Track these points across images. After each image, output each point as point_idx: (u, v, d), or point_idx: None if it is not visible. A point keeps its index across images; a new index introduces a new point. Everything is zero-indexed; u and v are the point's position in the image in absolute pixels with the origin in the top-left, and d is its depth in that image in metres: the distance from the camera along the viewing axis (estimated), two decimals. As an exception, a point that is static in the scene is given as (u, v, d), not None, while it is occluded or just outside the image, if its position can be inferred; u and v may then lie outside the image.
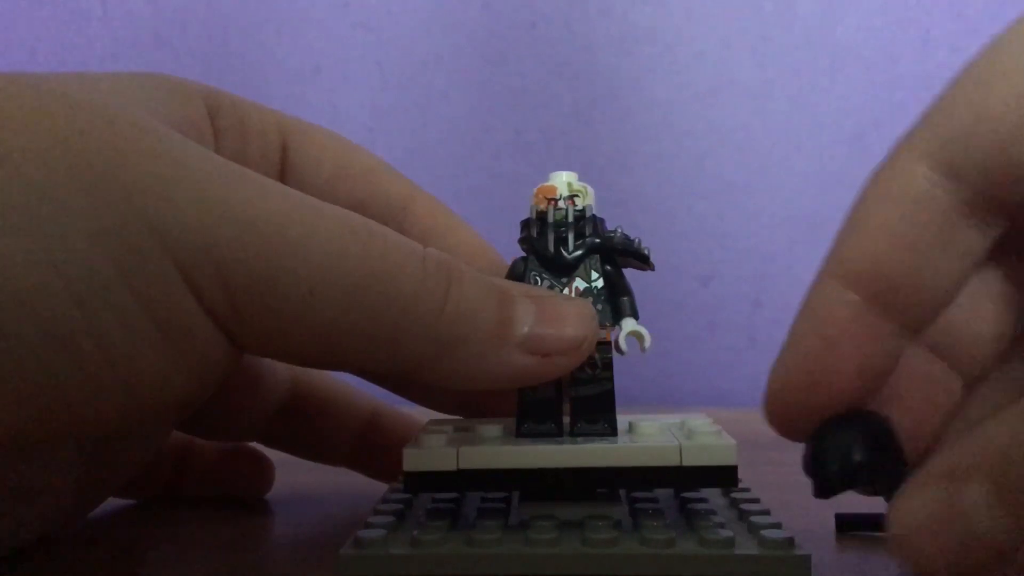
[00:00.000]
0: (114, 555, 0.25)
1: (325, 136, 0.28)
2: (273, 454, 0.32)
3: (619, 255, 0.24)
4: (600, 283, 0.24)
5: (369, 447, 0.31)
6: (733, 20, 0.63)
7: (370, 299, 0.20)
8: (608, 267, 0.24)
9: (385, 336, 0.20)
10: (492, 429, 0.24)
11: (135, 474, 0.27)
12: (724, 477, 0.22)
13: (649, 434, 0.23)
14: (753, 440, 0.42)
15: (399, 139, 0.64)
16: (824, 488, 0.19)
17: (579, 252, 0.24)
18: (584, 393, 0.24)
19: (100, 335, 0.18)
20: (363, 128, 0.64)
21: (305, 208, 0.20)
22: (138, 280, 0.18)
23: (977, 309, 0.20)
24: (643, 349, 0.24)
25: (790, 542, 0.21)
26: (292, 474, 0.33)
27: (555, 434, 0.24)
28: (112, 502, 0.29)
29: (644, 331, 0.24)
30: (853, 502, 0.27)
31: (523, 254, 0.24)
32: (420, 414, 0.30)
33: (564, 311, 0.22)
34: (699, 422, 0.24)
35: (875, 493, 0.19)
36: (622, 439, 0.23)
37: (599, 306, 0.24)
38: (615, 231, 0.24)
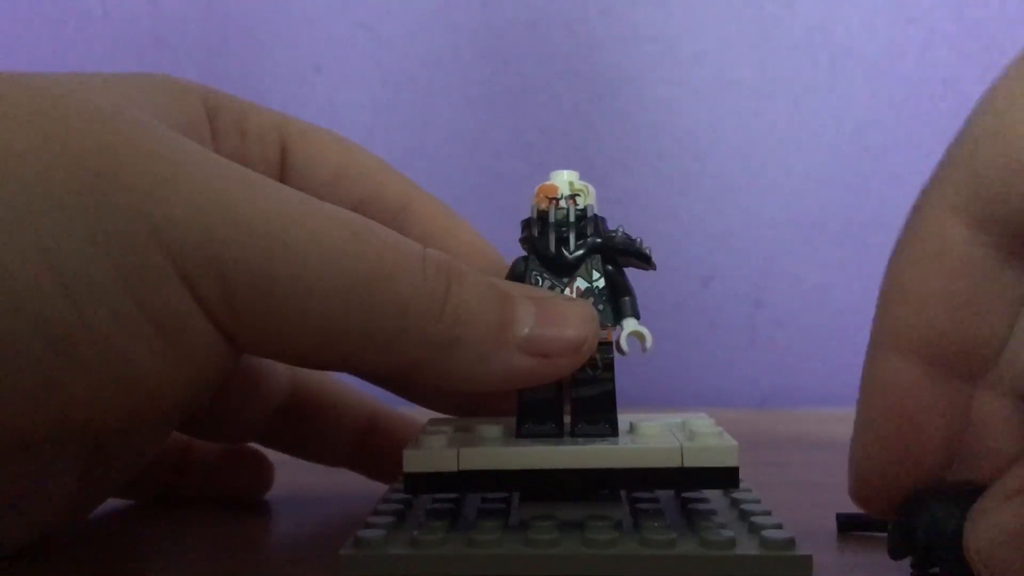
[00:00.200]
0: (114, 555, 0.25)
1: (325, 136, 0.28)
2: (273, 454, 0.32)
3: (620, 255, 0.24)
4: (601, 283, 0.24)
5: (369, 448, 0.31)
6: (733, 20, 0.63)
7: (369, 299, 0.19)
8: (610, 267, 0.24)
9: (384, 337, 0.20)
10: (492, 430, 0.24)
11: (135, 474, 0.27)
12: (725, 478, 0.22)
13: (650, 435, 0.23)
14: (753, 440, 0.42)
15: (399, 139, 0.64)
16: (920, 564, 0.20)
17: (580, 252, 0.24)
18: (585, 394, 0.24)
19: (97, 336, 0.18)
20: (363, 128, 0.64)
21: (304, 208, 0.20)
22: (135, 280, 0.18)
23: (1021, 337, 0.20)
24: (644, 349, 0.24)
25: (791, 542, 0.21)
26: (292, 474, 0.33)
27: (556, 435, 0.24)
28: (112, 502, 0.29)
29: (646, 331, 0.24)
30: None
31: (524, 254, 0.24)
32: (420, 414, 0.30)
33: (565, 312, 0.22)
34: (701, 423, 0.24)
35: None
36: (623, 440, 0.23)
37: (600, 306, 0.24)
38: (616, 231, 0.24)
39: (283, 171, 0.27)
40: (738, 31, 0.63)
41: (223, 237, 0.18)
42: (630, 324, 0.24)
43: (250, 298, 0.19)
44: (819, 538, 0.24)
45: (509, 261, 0.25)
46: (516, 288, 0.22)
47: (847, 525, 0.25)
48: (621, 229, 0.24)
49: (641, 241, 0.24)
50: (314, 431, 0.31)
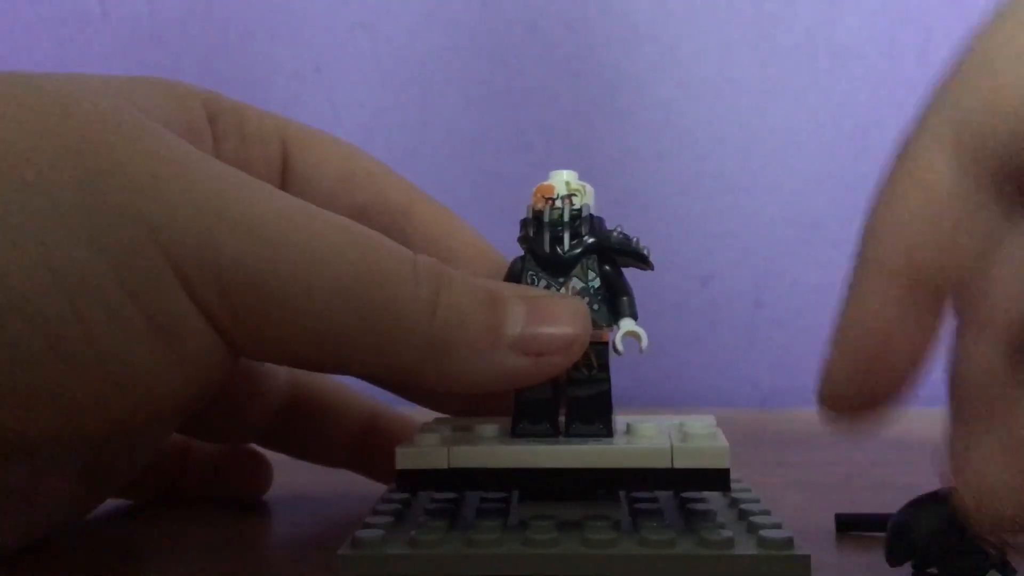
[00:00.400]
0: (114, 555, 0.25)
1: (327, 141, 0.28)
2: (272, 454, 0.32)
3: (617, 255, 0.24)
4: (597, 283, 0.24)
5: (368, 448, 0.31)
6: (733, 20, 0.63)
7: (364, 303, 0.20)
8: (607, 267, 0.24)
9: (377, 340, 0.20)
10: (488, 429, 0.24)
11: (135, 475, 0.27)
12: (716, 480, 0.22)
13: (645, 435, 0.23)
14: (753, 440, 0.42)
15: (399, 139, 0.64)
16: (919, 565, 0.20)
17: (575, 251, 0.24)
18: (580, 394, 0.24)
19: (95, 338, 0.18)
20: (363, 128, 0.64)
21: (301, 213, 0.20)
22: (134, 282, 0.18)
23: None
24: (641, 350, 0.24)
25: (789, 542, 0.21)
26: (292, 474, 0.33)
27: (550, 434, 0.24)
28: (112, 502, 0.29)
29: (641, 332, 0.24)
30: (854, 503, 0.27)
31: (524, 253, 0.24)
32: (420, 415, 0.30)
33: (555, 310, 0.22)
34: (697, 424, 0.23)
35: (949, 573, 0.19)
36: (618, 440, 0.23)
37: (596, 306, 0.24)
38: (614, 230, 0.24)
39: (284, 175, 0.27)
40: (738, 31, 0.63)
41: (221, 239, 0.19)
42: (626, 324, 0.24)
43: (247, 300, 0.19)
44: (818, 538, 0.24)
45: (509, 261, 0.25)
46: (507, 288, 0.22)
47: (846, 525, 0.25)
48: (619, 229, 0.24)
49: (638, 241, 0.24)
50: (313, 432, 0.31)
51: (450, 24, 0.64)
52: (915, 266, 0.20)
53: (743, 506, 0.24)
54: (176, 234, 0.18)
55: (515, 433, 0.24)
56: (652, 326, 0.24)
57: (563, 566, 0.21)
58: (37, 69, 0.22)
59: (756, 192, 0.63)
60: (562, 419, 0.24)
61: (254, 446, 0.32)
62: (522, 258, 0.24)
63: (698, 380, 0.63)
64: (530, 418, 0.24)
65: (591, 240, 0.24)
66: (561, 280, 0.24)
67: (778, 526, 0.22)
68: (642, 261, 0.24)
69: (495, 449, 0.22)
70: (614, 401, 0.24)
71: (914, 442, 0.42)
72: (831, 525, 0.26)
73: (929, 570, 0.20)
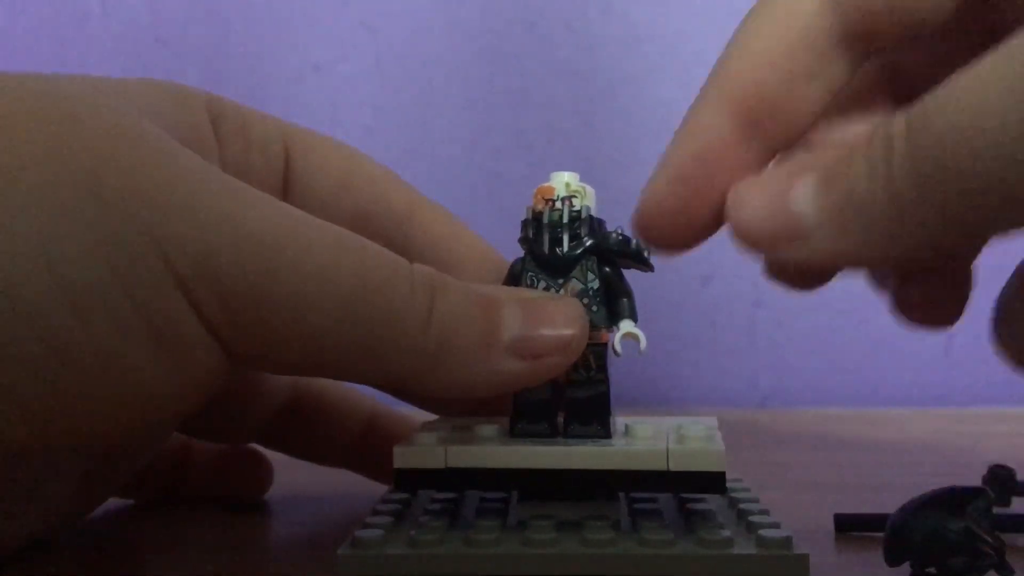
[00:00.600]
0: (114, 555, 0.25)
1: (329, 145, 0.28)
2: (273, 454, 0.32)
3: (616, 256, 0.24)
4: (596, 284, 0.24)
5: (369, 448, 0.31)
6: (733, 20, 0.63)
7: (361, 313, 0.20)
8: (607, 268, 0.24)
9: (374, 350, 0.20)
10: (487, 429, 0.24)
11: (134, 475, 0.27)
12: (711, 483, 0.22)
13: (642, 437, 0.23)
14: (753, 440, 0.43)
15: (399, 139, 0.64)
16: (918, 565, 0.20)
17: (574, 253, 0.24)
18: (578, 395, 0.24)
19: (98, 345, 0.18)
20: (363, 128, 0.64)
21: (301, 223, 0.20)
22: (136, 290, 0.18)
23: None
24: (640, 352, 0.24)
25: (788, 541, 0.21)
26: (292, 474, 0.33)
27: (548, 435, 0.24)
28: (112, 502, 0.30)
29: (640, 333, 0.24)
30: (853, 503, 0.27)
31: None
32: (420, 415, 0.30)
33: (551, 312, 0.22)
34: (696, 426, 0.23)
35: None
36: (615, 441, 0.23)
37: (595, 307, 0.24)
38: (614, 232, 0.24)
39: (287, 179, 0.27)
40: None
41: (221, 249, 0.19)
42: (625, 326, 0.24)
43: (246, 308, 0.19)
44: (817, 538, 0.25)
45: (510, 262, 0.25)
46: (502, 292, 0.22)
47: (844, 525, 0.25)
48: (619, 230, 0.24)
49: (638, 242, 0.24)
50: (314, 431, 0.31)
51: (450, 24, 0.64)
52: (754, 102, 0.21)
53: (742, 506, 0.24)
54: (177, 243, 0.18)
55: (513, 433, 0.24)
56: (651, 326, 0.24)
57: (562, 566, 0.21)
58: (38, 68, 0.22)
59: (756, 192, 0.63)
60: (561, 420, 0.24)
61: (255, 446, 0.32)
62: (522, 259, 0.24)
63: (698, 380, 0.63)
64: (528, 418, 0.24)
65: (590, 241, 0.24)
66: (561, 281, 0.24)
67: (776, 526, 0.22)
68: (641, 262, 0.24)
69: (492, 449, 0.22)
70: (613, 401, 0.24)
71: (913, 442, 0.42)
72: (830, 525, 0.26)
73: (927, 570, 0.20)
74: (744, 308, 0.63)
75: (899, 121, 0.18)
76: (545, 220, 0.24)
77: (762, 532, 0.21)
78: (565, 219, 0.24)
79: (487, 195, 0.63)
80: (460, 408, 0.29)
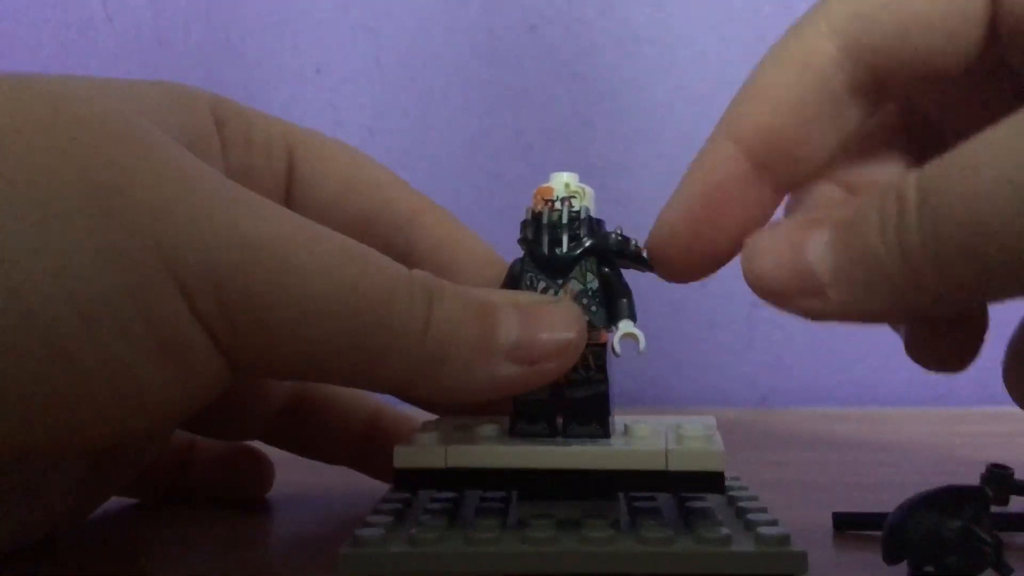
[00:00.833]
0: (114, 555, 0.26)
1: (333, 148, 0.28)
2: (273, 453, 0.32)
3: (615, 256, 0.24)
4: (595, 285, 0.24)
5: (371, 447, 0.31)
6: (733, 21, 0.63)
7: (360, 321, 0.20)
8: (607, 269, 0.24)
9: (373, 357, 0.20)
10: (487, 429, 0.24)
11: (135, 475, 0.27)
12: (710, 483, 0.22)
13: (641, 437, 0.23)
14: (751, 439, 0.43)
15: (399, 139, 0.64)
16: (916, 565, 0.20)
17: (573, 253, 0.24)
18: (577, 395, 0.24)
19: (104, 351, 0.18)
20: (363, 128, 0.64)
21: (303, 231, 0.20)
22: (140, 296, 0.18)
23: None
24: (639, 352, 0.24)
25: (786, 539, 0.21)
26: (292, 474, 0.33)
27: (547, 435, 0.24)
28: (112, 502, 0.30)
29: (639, 333, 0.24)
30: (851, 502, 0.28)
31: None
32: (421, 414, 0.30)
33: (549, 315, 0.22)
34: (694, 427, 0.24)
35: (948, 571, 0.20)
36: (614, 441, 0.23)
37: (594, 308, 0.24)
38: (613, 232, 0.24)
39: (290, 182, 0.27)
40: (737, 33, 0.63)
41: (224, 257, 0.19)
42: (624, 326, 0.24)
43: (247, 315, 0.19)
44: (815, 536, 0.25)
45: (509, 262, 0.25)
46: (500, 296, 0.22)
47: (843, 524, 0.26)
48: (619, 230, 0.24)
49: (637, 242, 0.24)
50: (316, 430, 0.31)
51: (450, 26, 0.64)
52: (769, 143, 0.21)
53: (741, 504, 0.24)
54: (180, 250, 0.18)
55: (513, 433, 0.24)
56: (650, 326, 0.24)
57: (562, 563, 0.21)
58: (40, 70, 0.22)
59: (755, 193, 0.63)
60: (560, 420, 0.24)
61: (257, 445, 0.32)
62: (521, 260, 0.24)
63: (696, 380, 0.63)
64: (528, 418, 0.24)
65: (589, 242, 0.24)
66: (560, 282, 0.24)
67: (775, 523, 0.22)
68: (641, 263, 0.24)
69: (491, 449, 0.22)
70: (613, 401, 0.24)
71: (911, 442, 0.42)
72: (828, 524, 0.26)
73: (926, 569, 0.20)
74: (743, 308, 0.63)
75: (911, 182, 0.18)
76: (544, 221, 0.24)
77: (760, 530, 0.21)
78: (564, 220, 0.24)
79: (487, 196, 0.63)
80: (461, 408, 0.29)
